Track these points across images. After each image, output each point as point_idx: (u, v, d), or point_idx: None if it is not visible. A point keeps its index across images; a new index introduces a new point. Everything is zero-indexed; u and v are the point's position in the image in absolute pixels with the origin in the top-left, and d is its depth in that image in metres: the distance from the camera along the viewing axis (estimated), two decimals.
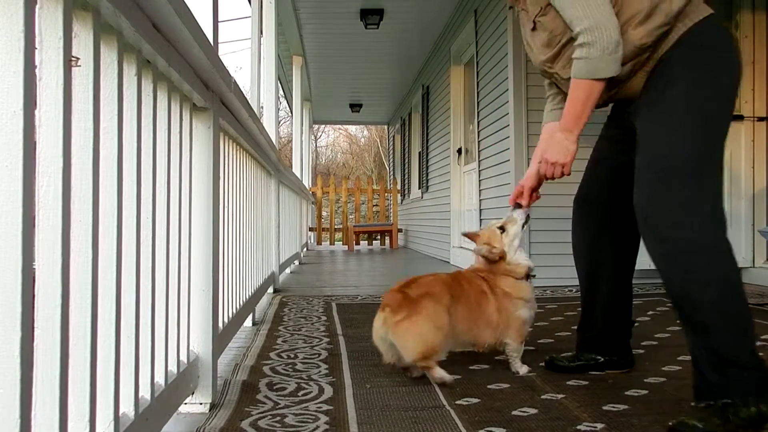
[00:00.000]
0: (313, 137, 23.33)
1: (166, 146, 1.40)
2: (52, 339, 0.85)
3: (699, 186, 1.54)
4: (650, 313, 3.30)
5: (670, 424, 1.51)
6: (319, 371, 2.13)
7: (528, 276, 2.05)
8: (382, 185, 12.62)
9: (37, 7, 0.81)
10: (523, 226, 2.05)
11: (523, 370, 2.05)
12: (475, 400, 1.80)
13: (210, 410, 1.69)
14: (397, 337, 1.84)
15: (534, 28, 1.81)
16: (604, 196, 1.95)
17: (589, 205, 2.00)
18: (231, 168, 2.31)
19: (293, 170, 7.79)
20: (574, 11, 1.63)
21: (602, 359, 2.04)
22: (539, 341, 2.61)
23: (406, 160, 11.17)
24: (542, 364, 2.18)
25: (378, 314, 1.91)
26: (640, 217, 1.62)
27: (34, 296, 0.79)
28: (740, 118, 4.59)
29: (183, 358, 1.58)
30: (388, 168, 19.46)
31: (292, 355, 2.38)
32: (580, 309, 2.12)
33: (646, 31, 1.62)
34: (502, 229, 2.05)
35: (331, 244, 11.94)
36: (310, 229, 11.12)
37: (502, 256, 2.03)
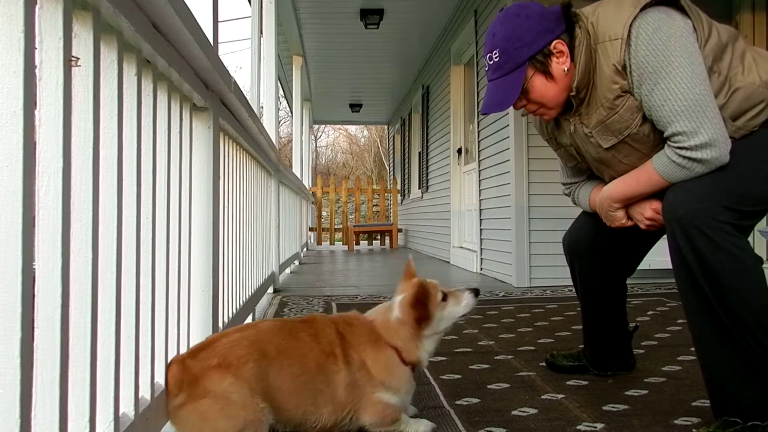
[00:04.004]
0: (313, 137, 23.33)
1: (166, 146, 1.39)
2: (52, 339, 0.85)
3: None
4: (650, 313, 3.30)
5: (694, 431, 1.51)
6: None
7: (414, 367, 1.51)
8: (382, 185, 12.62)
9: (37, 7, 0.81)
10: (462, 316, 1.55)
11: None
12: (475, 400, 1.80)
13: None
14: (177, 425, 1.31)
15: (591, 135, 1.68)
16: (591, 242, 1.94)
17: (577, 250, 2.00)
18: (231, 168, 2.31)
19: (293, 170, 7.79)
20: (688, 122, 1.46)
21: (610, 372, 2.05)
22: (539, 341, 2.61)
23: (406, 160, 11.18)
24: (542, 364, 2.19)
25: None
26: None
27: (34, 296, 0.79)
28: None
29: None
30: (388, 168, 19.46)
31: None
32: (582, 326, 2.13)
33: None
34: (445, 297, 1.53)
35: (331, 244, 11.94)
36: (310, 229, 11.12)
37: (427, 323, 1.49)
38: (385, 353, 1.47)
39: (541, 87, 1.64)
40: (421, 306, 1.48)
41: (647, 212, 1.64)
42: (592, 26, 1.59)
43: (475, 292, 1.57)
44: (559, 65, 1.62)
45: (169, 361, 1.39)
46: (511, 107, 1.70)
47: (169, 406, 1.31)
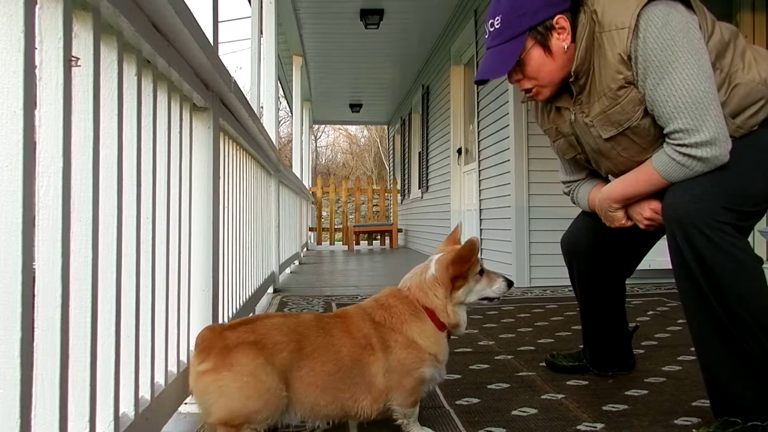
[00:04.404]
0: (313, 137, 23.33)
1: (166, 146, 1.39)
2: (52, 339, 0.85)
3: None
4: (650, 313, 3.30)
5: (694, 431, 1.51)
6: None
7: (450, 335, 1.53)
8: (382, 185, 12.62)
9: (37, 7, 0.81)
10: (491, 299, 1.55)
11: None
12: (475, 400, 1.80)
13: None
14: (196, 391, 1.30)
15: (591, 124, 1.68)
16: (590, 242, 1.94)
17: (576, 251, 1.99)
18: (231, 168, 2.31)
19: (293, 170, 7.79)
20: (690, 120, 1.46)
21: (610, 372, 2.05)
22: (539, 341, 2.61)
23: (406, 160, 11.18)
24: (542, 364, 2.18)
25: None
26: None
27: (34, 296, 0.79)
28: None
29: (183, 358, 1.58)
30: (388, 168, 19.46)
31: None
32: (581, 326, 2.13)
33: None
34: (482, 272, 1.54)
35: (331, 244, 11.94)
36: (310, 229, 11.12)
37: (461, 284, 1.50)
38: (427, 324, 1.47)
39: (538, 60, 1.63)
40: (463, 263, 1.47)
41: (646, 212, 1.64)
42: (596, 13, 1.58)
43: (509, 282, 1.57)
44: (560, 41, 1.61)
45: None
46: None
47: (193, 369, 1.31)
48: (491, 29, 1.65)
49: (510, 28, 1.60)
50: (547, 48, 1.61)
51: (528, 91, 1.72)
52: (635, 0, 1.52)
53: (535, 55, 1.62)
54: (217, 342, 1.30)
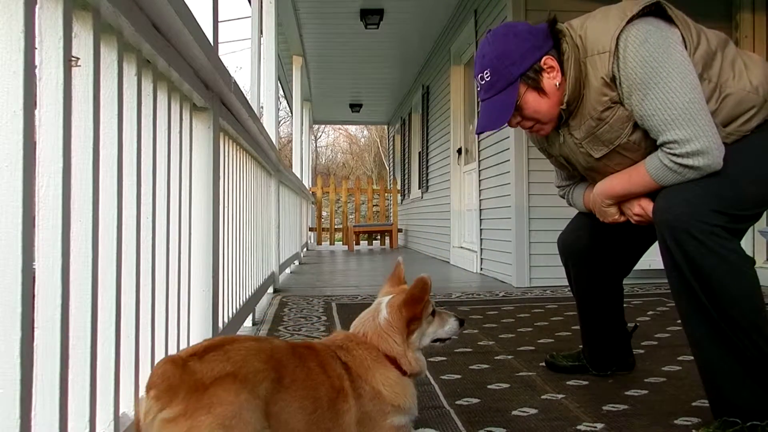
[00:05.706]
0: (313, 137, 23.32)
1: (166, 146, 1.39)
2: (52, 339, 0.85)
3: None
4: (650, 313, 3.30)
5: (694, 431, 1.51)
6: None
7: (412, 376, 1.41)
8: (382, 185, 12.62)
9: (37, 7, 0.81)
10: (443, 340, 1.49)
11: None
12: (475, 400, 1.80)
13: None
14: None
15: (580, 144, 1.69)
16: (586, 242, 1.95)
17: (572, 251, 2.00)
18: (231, 168, 2.31)
19: (293, 170, 7.79)
20: (680, 131, 1.46)
21: (609, 372, 2.05)
22: (539, 341, 2.61)
23: (406, 160, 11.17)
24: (542, 364, 2.19)
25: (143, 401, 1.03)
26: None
27: (34, 296, 0.79)
28: None
29: None
30: (388, 168, 19.46)
31: None
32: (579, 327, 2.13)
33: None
34: (433, 312, 1.46)
35: (331, 244, 11.94)
36: (310, 229, 11.12)
37: (416, 327, 1.40)
38: (391, 371, 1.35)
39: (534, 103, 1.65)
40: (416, 304, 1.38)
41: (635, 208, 1.66)
42: (581, 39, 1.60)
43: (461, 321, 1.50)
44: (551, 80, 1.63)
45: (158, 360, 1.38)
46: (507, 125, 1.71)
47: (149, 418, 0.98)
48: (482, 82, 1.67)
49: (501, 79, 1.62)
50: (540, 90, 1.63)
51: (531, 128, 1.74)
52: (615, 22, 1.54)
53: (530, 99, 1.64)
54: (183, 378, 0.99)
